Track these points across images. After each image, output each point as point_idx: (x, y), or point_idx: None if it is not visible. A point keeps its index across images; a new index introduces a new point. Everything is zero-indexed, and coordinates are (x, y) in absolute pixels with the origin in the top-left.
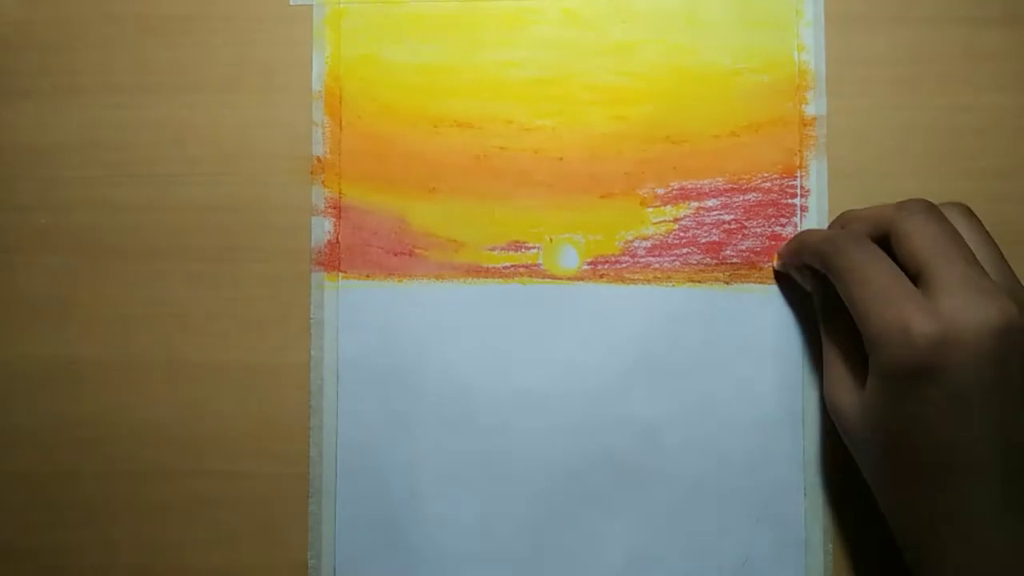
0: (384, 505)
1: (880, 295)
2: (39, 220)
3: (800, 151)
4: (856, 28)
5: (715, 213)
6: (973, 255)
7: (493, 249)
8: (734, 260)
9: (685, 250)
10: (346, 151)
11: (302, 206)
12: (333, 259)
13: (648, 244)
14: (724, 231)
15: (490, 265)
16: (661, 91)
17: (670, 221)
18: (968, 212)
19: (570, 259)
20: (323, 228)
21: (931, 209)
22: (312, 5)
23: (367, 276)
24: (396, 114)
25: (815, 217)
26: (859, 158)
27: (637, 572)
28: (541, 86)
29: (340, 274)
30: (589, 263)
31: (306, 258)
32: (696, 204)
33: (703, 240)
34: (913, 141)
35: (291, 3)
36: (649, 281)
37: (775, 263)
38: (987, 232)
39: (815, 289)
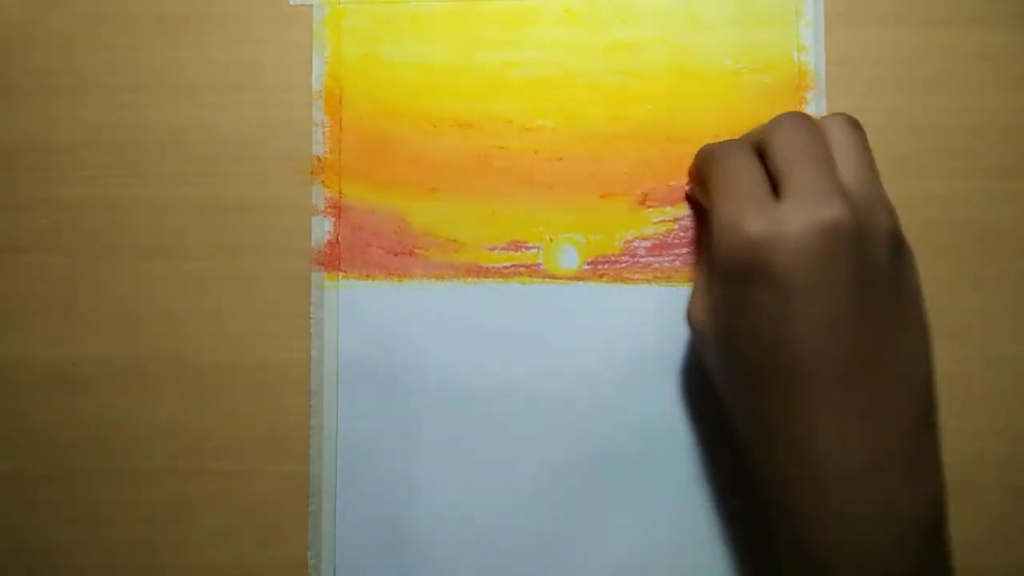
0: (384, 504)
1: (729, 194)
2: (39, 220)
3: None
4: (856, 28)
5: None
6: (830, 163)
7: (493, 249)
8: None
9: (685, 250)
10: (346, 151)
11: (302, 206)
12: (333, 259)
13: (648, 244)
14: None
15: (490, 265)
16: (661, 91)
17: (670, 221)
18: (848, 123)
19: (570, 259)
20: (323, 228)
21: (799, 120)
22: (312, 5)
23: (367, 276)
24: (396, 114)
25: None
26: None
27: (637, 571)
28: (541, 86)
29: (340, 274)
30: (589, 263)
31: (306, 258)
32: (696, 204)
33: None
34: (913, 141)
35: (291, 3)
36: (649, 281)
37: (687, 187)
38: (861, 143)
39: (705, 206)
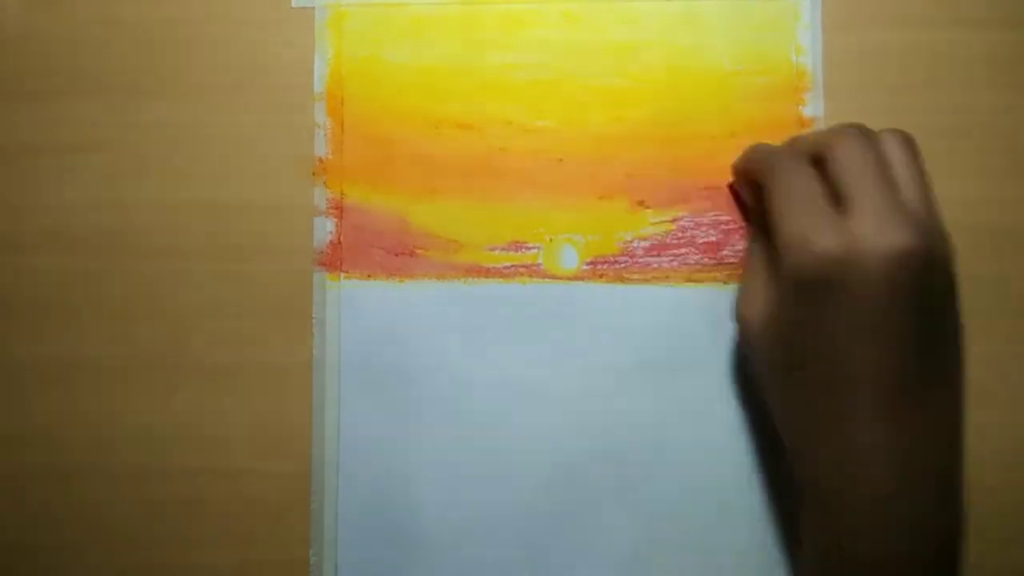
0: (385, 503)
1: (795, 207)
2: (39, 220)
3: None
4: (853, 30)
5: (713, 214)
6: (894, 184)
7: (493, 249)
8: (732, 260)
9: (683, 250)
10: (348, 152)
11: (304, 207)
12: (335, 259)
13: (647, 244)
14: (722, 231)
15: (490, 265)
16: (660, 92)
17: (668, 221)
18: (906, 142)
19: (569, 259)
20: (325, 228)
21: (863, 135)
22: (314, 7)
23: (368, 276)
24: (397, 115)
25: None
26: None
27: (637, 570)
28: (541, 87)
29: (342, 274)
30: (588, 263)
31: (308, 258)
32: (694, 205)
33: (701, 240)
34: None
35: (293, 5)
36: (648, 281)
37: (732, 179)
38: (919, 164)
39: (753, 207)
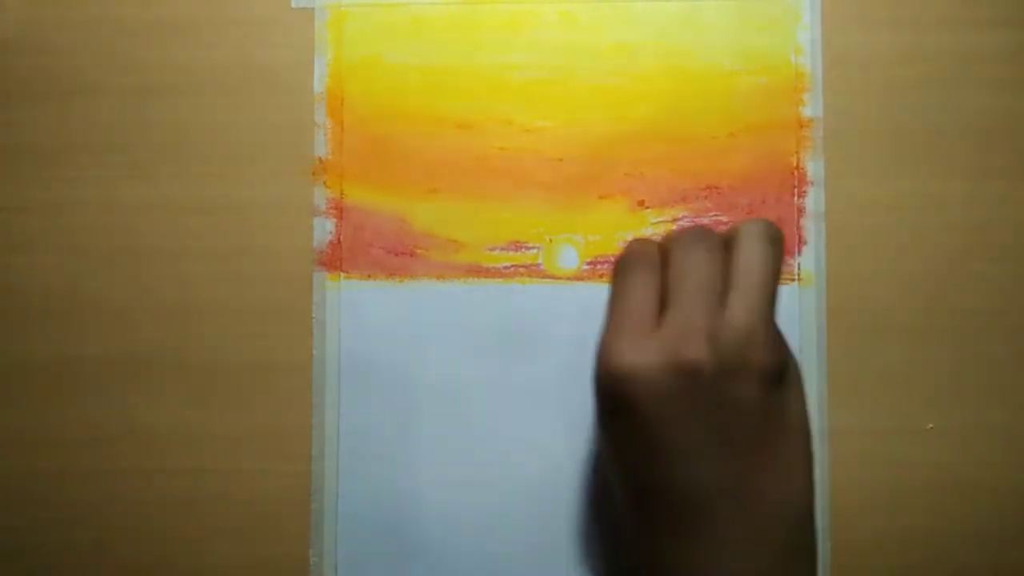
0: (385, 503)
1: (614, 316)
2: (39, 220)
3: (797, 152)
4: (852, 30)
5: (712, 214)
6: (715, 291)
7: (493, 249)
8: None
9: None
10: (348, 152)
11: (304, 207)
12: (335, 259)
13: None
14: None
15: (490, 265)
16: (659, 92)
17: (668, 222)
18: (763, 236)
19: (570, 259)
20: (325, 228)
21: (701, 236)
22: (314, 8)
23: (368, 276)
24: (397, 116)
25: (812, 218)
26: (856, 160)
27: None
28: (541, 87)
29: (342, 274)
30: (588, 263)
31: (308, 258)
32: (694, 205)
33: None
34: (910, 142)
35: (293, 6)
36: None
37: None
38: (769, 261)
39: None
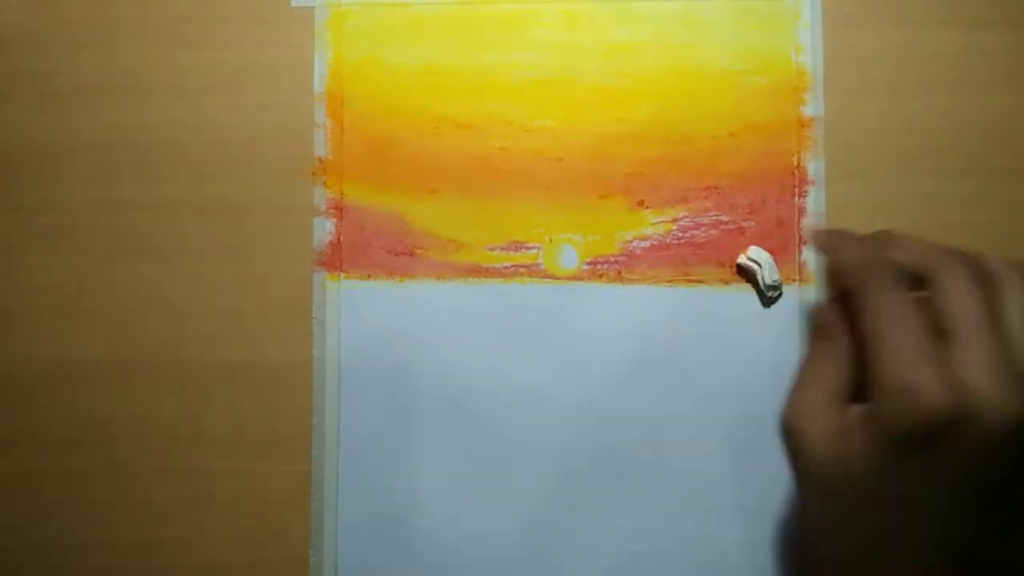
0: (385, 503)
1: (899, 346)
2: (39, 220)
3: (798, 152)
4: (853, 30)
5: (713, 214)
6: (1008, 329)
7: (493, 249)
8: (732, 261)
9: (683, 250)
10: (348, 152)
11: (304, 207)
12: (335, 259)
13: (647, 244)
14: (722, 231)
15: (490, 265)
16: (660, 92)
17: (668, 221)
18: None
19: (570, 259)
20: (325, 228)
21: (975, 266)
22: (314, 7)
23: (368, 276)
24: (397, 115)
25: (813, 218)
26: (857, 159)
27: (638, 569)
28: (541, 87)
29: (341, 274)
30: (588, 263)
31: (308, 258)
32: (694, 205)
33: (701, 240)
34: (910, 142)
35: (293, 5)
36: (648, 281)
37: (813, 246)
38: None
39: (836, 307)
